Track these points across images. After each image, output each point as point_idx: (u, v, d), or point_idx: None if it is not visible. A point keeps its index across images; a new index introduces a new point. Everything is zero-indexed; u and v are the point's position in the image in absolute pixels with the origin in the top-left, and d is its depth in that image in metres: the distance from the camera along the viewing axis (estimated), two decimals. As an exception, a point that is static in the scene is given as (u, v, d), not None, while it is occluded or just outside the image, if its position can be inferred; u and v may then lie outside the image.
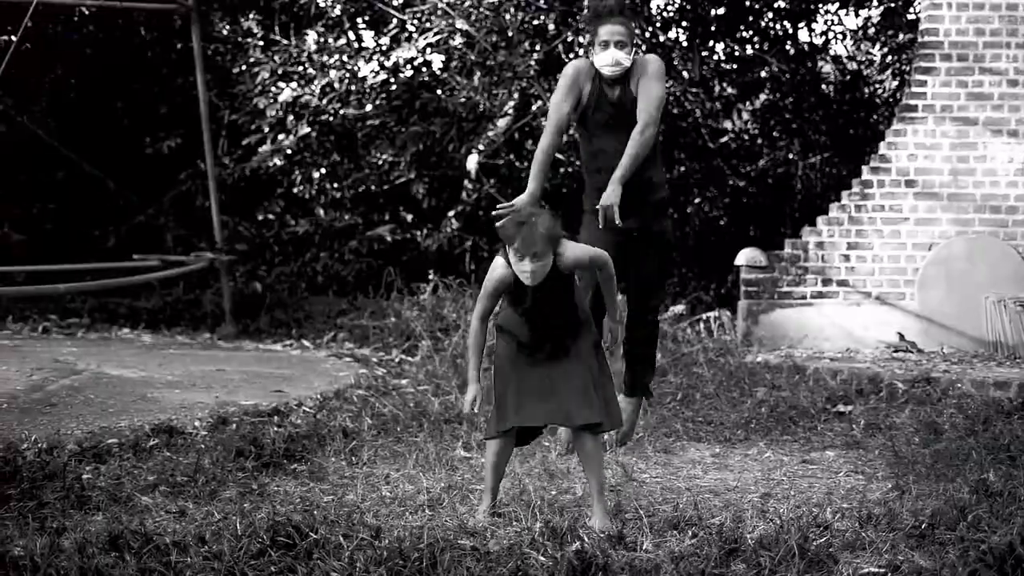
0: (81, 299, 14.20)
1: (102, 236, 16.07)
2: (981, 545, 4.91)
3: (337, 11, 15.73)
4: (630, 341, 6.93)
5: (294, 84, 15.32)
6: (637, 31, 6.34)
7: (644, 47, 16.00)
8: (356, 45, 15.79)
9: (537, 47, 14.92)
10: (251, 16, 16.31)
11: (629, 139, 6.22)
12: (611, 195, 6.15)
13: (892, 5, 16.08)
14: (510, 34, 14.58)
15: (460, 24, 14.61)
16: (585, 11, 6.36)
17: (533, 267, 5.46)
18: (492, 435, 5.72)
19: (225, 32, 16.53)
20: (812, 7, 16.47)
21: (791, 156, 16.51)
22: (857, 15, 16.71)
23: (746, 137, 16.96)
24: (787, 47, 16.43)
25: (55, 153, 15.03)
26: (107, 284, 12.61)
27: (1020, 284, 11.01)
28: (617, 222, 6.09)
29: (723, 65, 16.63)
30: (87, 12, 16.28)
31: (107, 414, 7.92)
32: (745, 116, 17.14)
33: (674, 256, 6.51)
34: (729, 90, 16.78)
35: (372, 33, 16.14)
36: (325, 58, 15.17)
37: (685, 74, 15.99)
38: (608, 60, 6.21)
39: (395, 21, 15.33)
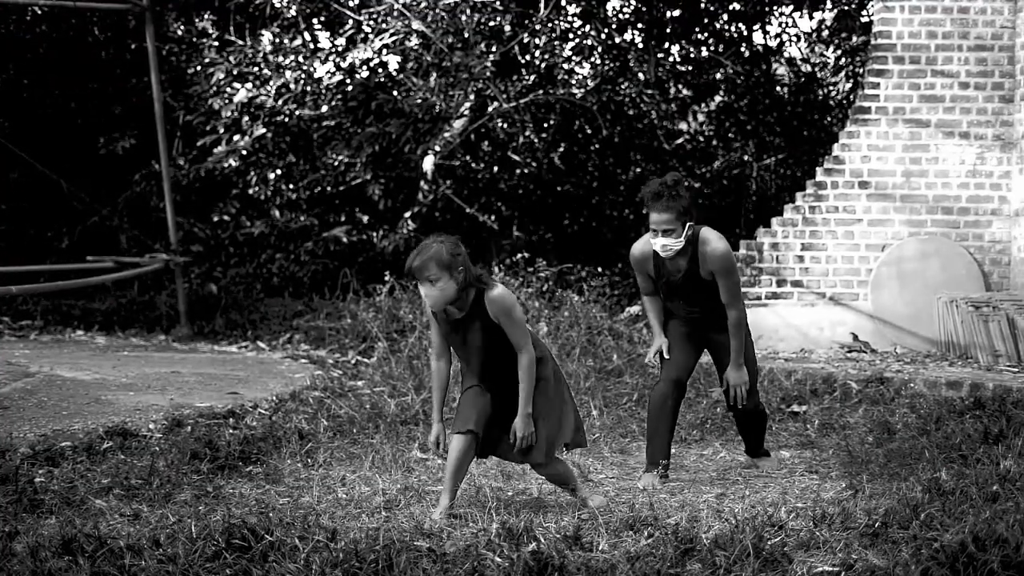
0: (34, 301, 14.08)
1: (56, 237, 15.95)
2: (934, 543, 4.95)
3: (293, 12, 15.68)
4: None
5: (249, 85, 15.25)
6: (685, 212, 6.71)
7: (600, 48, 16.04)
8: (312, 46, 15.74)
9: (493, 48, 14.92)
10: (206, 16, 16.23)
11: (729, 325, 6.81)
12: (738, 378, 6.83)
13: (846, 8, 16.19)
14: (466, 35, 14.57)
15: (416, 25, 14.60)
16: (643, 191, 6.87)
17: (426, 292, 5.76)
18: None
19: (179, 32, 16.45)
20: (767, 9, 16.57)
21: (746, 158, 16.61)
22: (811, 18, 16.82)
23: (701, 139, 17.04)
24: (742, 49, 16.52)
25: (8, 154, 14.90)
26: (61, 286, 12.52)
27: (972, 284, 11.11)
28: (741, 405, 6.90)
29: (679, 67, 16.70)
30: (40, 12, 16.15)
31: (60, 417, 7.87)
32: (700, 118, 17.22)
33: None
34: (684, 92, 16.85)
35: (328, 34, 16.10)
36: (280, 59, 15.12)
37: (641, 76, 16.04)
38: (659, 247, 6.67)
39: (351, 22, 15.30)
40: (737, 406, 6.87)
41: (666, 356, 6.88)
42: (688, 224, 6.61)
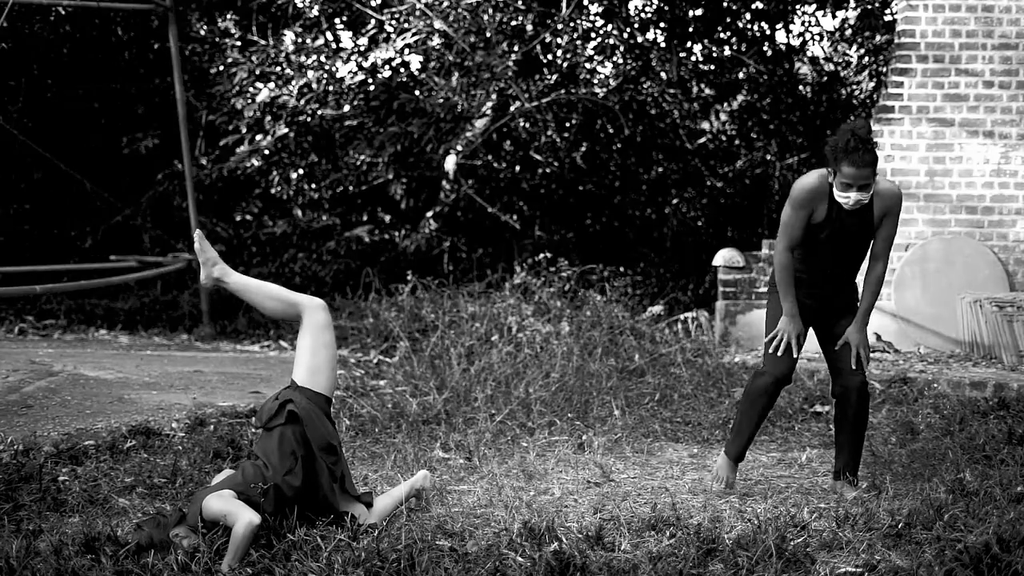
0: (58, 300, 14.14)
1: (79, 237, 16.02)
2: (957, 544, 4.93)
3: (315, 11, 15.71)
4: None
5: (272, 84, 15.29)
6: (876, 163, 6.16)
7: (622, 47, 16.03)
8: (334, 46, 15.77)
9: (515, 48, 14.92)
10: (228, 16, 16.27)
11: (868, 277, 6.29)
12: (861, 339, 6.31)
13: (869, 6, 16.14)
14: (488, 35, 14.58)
15: (438, 25, 14.61)
16: (831, 143, 6.24)
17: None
18: None
19: (202, 32, 16.49)
20: (789, 8, 16.53)
21: (768, 157, 16.57)
22: (834, 16, 16.78)
23: (724, 138, 17.01)
24: (764, 48, 16.48)
25: (32, 153, 14.97)
26: (84, 285, 12.57)
27: (996, 284, 11.06)
28: (865, 365, 6.33)
29: (701, 66, 16.67)
30: (63, 12, 16.22)
31: (84, 415, 7.89)
32: (723, 117, 17.19)
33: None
34: (707, 91, 16.82)
35: (350, 34, 16.12)
36: (303, 58, 15.15)
37: (663, 75, 16.02)
38: (851, 201, 6.03)
39: (373, 22, 15.32)
40: (847, 391, 6.27)
41: (793, 344, 6.25)
42: None
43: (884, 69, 14.82)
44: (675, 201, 16.59)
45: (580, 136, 16.25)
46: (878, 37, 16.18)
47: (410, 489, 5.85)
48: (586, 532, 5.28)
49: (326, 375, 5.63)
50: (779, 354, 6.26)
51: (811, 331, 6.48)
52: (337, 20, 16.09)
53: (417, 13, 14.70)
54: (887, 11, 15.83)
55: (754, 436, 6.47)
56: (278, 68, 15.21)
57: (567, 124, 16.05)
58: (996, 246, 11.17)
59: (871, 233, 6.22)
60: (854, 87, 16.97)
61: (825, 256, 6.23)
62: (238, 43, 15.63)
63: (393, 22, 15.06)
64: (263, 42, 15.28)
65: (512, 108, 15.33)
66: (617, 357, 9.95)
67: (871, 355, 10.71)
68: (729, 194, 16.48)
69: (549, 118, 15.46)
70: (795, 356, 6.29)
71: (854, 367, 6.26)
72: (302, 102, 15.12)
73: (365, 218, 16.46)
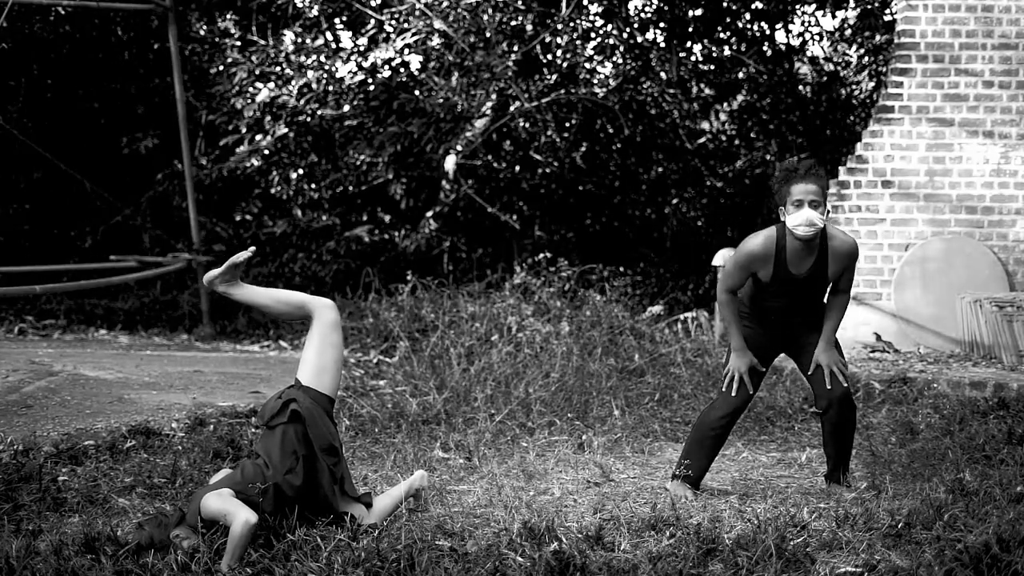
0: (58, 300, 14.14)
1: (79, 237, 16.02)
2: (957, 544, 4.93)
3: (315, 11, 15.71)
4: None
5: (271, 84, 15.29)
6: (826, 192, 6.10)
7: (622, 47, 16.03)
8: (334, 46, 15.77)
9: (515, 48, 14.92)
10: (228, 16, 16.28)
11: (832, 303, 6.32)
12: (831, 358, 6.30)
13: (869, 6, 16.14)
14: (488, 35, 14.58)
15: (438, 25, 14.61)
16: (776, 173, 6.24)
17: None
18: None
19: (202, 32, 16.50)
20: (789, 8, 16.53)
21: (768, 157, 16.58)
22: (834, 16, 16.78)
23: (723, 138, 17.01)
24: (764, 48, 16.48)
25: (31, 153, 14.97)
26: (84, 285, 12.57)
27: (996, 284, 11.06)
28: (844, 383, 6.31)
29: (701, 66, 16.68)
30: (63, 12, 16.22)
31: (83, 415, 7.89)
32: (723, 117, 17.19)
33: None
34: (707, 91, 16.83)
35: (350, 34, 16.13)
36: (303, 58, 15.15)
37: (663, 75, 16.02)
38: (802, 220, 6.00)
39: (373, 22, 15.32)
40: (831, 404, 6.27)
41: (746, 380, 6.25)
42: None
43: (884, 69, 14.82)
44: (675, 201, 16.59)
45: (580, 136, 16.25)
46: (878, 37, 16.18)
47: (408, 489, 5.85)
48: (586, 532, 5.28)
49: (331, 375, 5.63)
50: (733, 394, 6.31)
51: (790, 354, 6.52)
52: (337, 20, 16.10)
53: (417, 13, 14.70)
54: (887, 11, 15.84)
55: (710, 464, 6.45)
56: (278, 68, 15.21)
57: (567, 124, 16.05)
58: (996, 246, 11.17)
59: (825, 284, 6.24)
60: (854, 87, 16.98)
61: (784, 299, 6.24)
62: (238, 43, 15.63)
63: (393, 22, 15.06)
64: (263, 42, 15.28)
65: (512, 108, 15.33)
66: (617, 357, 9.94)
67: (871, 354, 10.73)
68: (729, 194, 16.48)
69: (549, 118, 15.46)
70: (750, 392, 6.32)
71: (829, 386, 6.28)
72: (302, 102, 15.12)
73: (365, 218, 16.46)
